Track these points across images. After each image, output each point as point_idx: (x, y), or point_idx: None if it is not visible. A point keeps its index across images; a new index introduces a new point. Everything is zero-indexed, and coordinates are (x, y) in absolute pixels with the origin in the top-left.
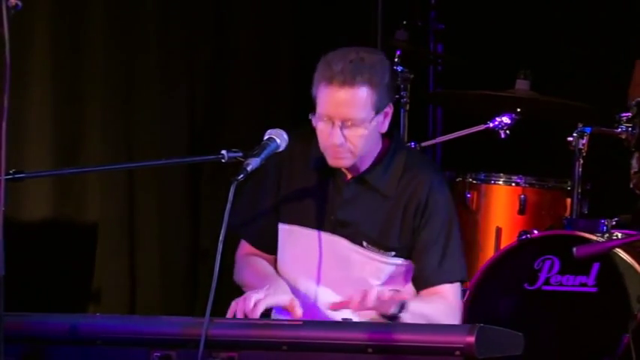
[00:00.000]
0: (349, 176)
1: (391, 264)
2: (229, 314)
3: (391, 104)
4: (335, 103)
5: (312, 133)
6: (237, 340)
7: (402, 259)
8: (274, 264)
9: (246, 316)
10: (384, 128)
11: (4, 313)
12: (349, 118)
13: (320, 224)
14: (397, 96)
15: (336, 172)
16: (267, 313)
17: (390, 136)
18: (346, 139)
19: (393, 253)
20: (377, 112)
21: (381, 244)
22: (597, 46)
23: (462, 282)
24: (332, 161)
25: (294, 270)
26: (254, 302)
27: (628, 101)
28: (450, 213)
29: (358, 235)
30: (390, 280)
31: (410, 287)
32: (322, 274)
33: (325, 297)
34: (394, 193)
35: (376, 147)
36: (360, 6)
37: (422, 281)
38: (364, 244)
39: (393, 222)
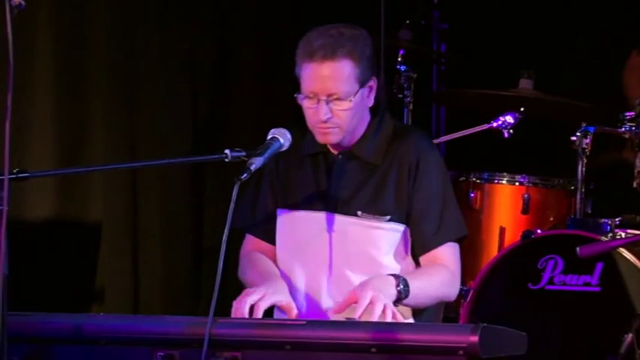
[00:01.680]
0: (336, 152)
1: (388, 229)
2: (234, 314)
3: (375, 78)
4: (318, 79)
5: (303, 123)
6: (240, 340)
7: (398, 223)
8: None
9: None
10: (370, 102)
11: (7, 313)
12: (333, 93)
13: (314, 205)
14: (400, 96)
15: (326, 152)
16: (267, 312)
17: (376, 112)
18: (333, 114)
19: (388, 217)
20: (361, 86)
21: (374, 209)
22: (601, 45)
23: (462, 238)
24: (320, 137)
25: (293, 255)
26: (249, 304)
27: (624, 90)
28: (442, 171)
29: (352, 207)
30: (390, 250)
31: (410, 259)
32: (321, 254)
33: (326, 279)
34: (379, 159)
35: (363, 122)
36: (363, 5)
37: (421, 246)
38: (359, 213)
39: (386, 187)
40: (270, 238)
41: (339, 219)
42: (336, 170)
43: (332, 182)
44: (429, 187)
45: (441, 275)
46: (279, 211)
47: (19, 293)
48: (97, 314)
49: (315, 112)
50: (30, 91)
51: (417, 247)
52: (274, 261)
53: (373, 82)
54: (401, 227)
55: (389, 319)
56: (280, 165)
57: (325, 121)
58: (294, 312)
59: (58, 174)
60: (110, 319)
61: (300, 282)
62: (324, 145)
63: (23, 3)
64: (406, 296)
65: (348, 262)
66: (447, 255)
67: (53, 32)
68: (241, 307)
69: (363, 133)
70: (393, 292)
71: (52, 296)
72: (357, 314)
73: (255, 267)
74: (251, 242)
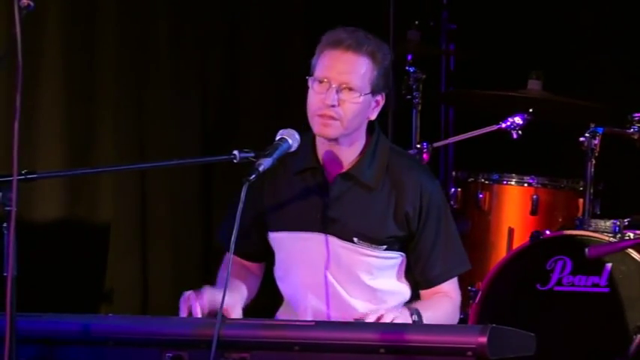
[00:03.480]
0: (333, 173)
1: (382, 258)
2: (182, 311)
3: (384, 95)
4: (337, 66)
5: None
6: (249, 341)
7: (393, 252)
8: (259, 271)
9: (190, 314)
10: (373, 115)
11: (16, 314)
12: (346, 82)
13: (309, 226)
14: (409, 97)
15: (318, 172)
16: (270, 313)
17: (371, 132)
18: (339, 102)
19: (385, 246)
20: (372, 92)
21: (372, 238)
22: (609, 46)
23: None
24: (319, 128)
25: (289, 274)
26: (196, 294)
27: None
28: (445, 208)
29: (348, 232)
30: (383, 275)
31: (404, 282)
32: (316, 274)
33: (323, 298)
34: (380, 185)
35: (361, 135)
36: (372, 5)
37: (426, 282)
38: (355, 240)
39: (384, 217)
40: (248, 256)
41: (334, 242)
42: (333, 191)
43: (328, 203)
44: (433, 228)
45: (445, 306)
46: (271, 234)
47: (28, 294)
48: (106, 315)
49: (322, 98)
50: (39, 92)
51: (422, 282)
52: (246, 269)
53: (381, 98)
54: (396, 255)
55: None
56: (266, 184)
57: (331, 106)
58: (235, 314)
59: (67, 175)
60: (119, 320)
61: (301, 300)
62: (315, 161)
63: (32, 4)
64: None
65: (342, 284)
66: (450, 288)
67: (62, 33)
68: (187, 301)
69: (359, 153)
70: (409, 321)
71: (60, 297)
72: None
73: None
74: (226, 256)
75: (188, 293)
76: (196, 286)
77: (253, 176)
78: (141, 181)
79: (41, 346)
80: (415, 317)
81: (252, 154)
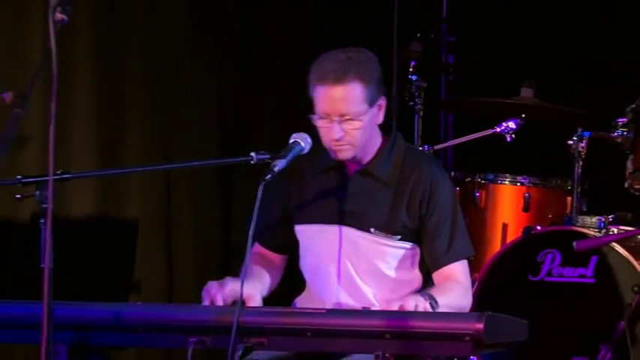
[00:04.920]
0: (352, 170)
1: (397, 247)
2: (205, 300)
3: (384, 97)
4: (330, 101)
5: (316, 140)
6: (266, 327)
7: (407, 242)
8: (282, 262)
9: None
10: (380, 120)
11: (53, 302)
12: (345, 113)
13: (330, 218)
14: (411, 103)
15: (340, 168)
16: (287, 302)
17: (388, 133)
18: (345, 133)
19: (399, 237)
20: (370, 105)
21: (387, 228)
22: (595, 57)
23: (469, 258)
24: (335, 155)
25: (313, 263)
26: (218, 285)
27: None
28: (453, 198)
29: (366, 223)
30: (398, 264)
31: (417, 272)
32: (334, 264)
33: (343, 284)
34: (395, 180)
35: (375, 139)
36: (377, 19)
37: (434, 262)
38: (372, 230)
39: (398, 208)
40: (273, 247)
41: (353, 232)
42: (351, 186)
43: (347, 197)
44: (441, 212)
45: (456, 290)
46: (297, 226)
47: (63, 285)
48: (135, 303)
49: (328, 131)
50: (72, 99)
51: (431, 263)
52: (269, 261)
53: (382, 102)
54: (409, 245)
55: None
56: (293, 180)
57: (338, 140)
58: (254, 304)
59: (98, 175)
60: (147, 308)
61: (318, 288)
62: (338, 160)
63: (66, 18)
64: (436, 308)
65: (358, 272)
66: (459, 272)
67: (93, 45)
68: (210, 291)
69: (376, 151)
70: (427, 306)
71: (93, 287)
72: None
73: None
74: (256, 247)
75: (211, 284)
76: (217, 277)
77: (269, 176)
78: (166, 181)
79: (76, 331)
80: (430, 301)
81: (268, 156)
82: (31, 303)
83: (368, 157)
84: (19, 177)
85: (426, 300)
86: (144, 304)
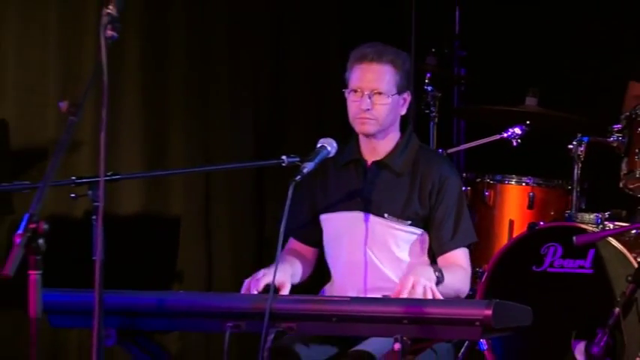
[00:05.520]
0: (370, 163)
1: (408, 232)
2: (243, 291)
3: (409, 92)
4: (365, 76)
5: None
6: (295, 313)
7: (417, 228)
8: (313, 255)
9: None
10: (403, 111)
11: (103, 291)
12: (375, 87)
13: (350, 206)
14: (427, 111)
15: (359, 162)
16: (315, 291)
17: (405, 130)
18: (372, 106)
19: (410, 222)
20: (398, 92)
21: (399, 214)
22: (594, 69)
23: (472, 244)
24: (359, 127)
25: (334, 251)
26: (255, 280)
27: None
28: (459, 192)
29: (381, 209)
30: (409, 249)
31: (426, 259)
32: (356, 248)
33: (361, 268)
34: (409, 173)
35: (394, 131)
36: (396, 35)
37: (439, 248)
38: (385, 215)
39: (411, 197)
40: (306, 240)
41: (370, 218)
42: (369, 176)
43: (366, 186)
44: (448, 203)
45: (459, 274)
46: (321, 216)
47: (113, 275)
48: (178, 292)
49: (359, 104)
50: (121, 107)
51: (436, 248)
52: (301, 254)
53: (407, 96)
54: (418, 231)
55: (429, 296)
56: (318, 179)
57: (366, 111)
58: (285, 290)
59: (145, 176)
60: (188, 296)
61: (342, 271)
62: (358, 154)
63: (115, 35)
64: (442, 281)
65: (377, 255)
66: (461, 257)
67: (140, 58)
68: (248, 285)
69: (393, 146)
70: (433, 277)
71: (140, 277)
72: (402, 296)
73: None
74: (291, 243)
75: (249, 280)
76: (251, 268)
77: (298, 177)
78: (205, 181)
79: (124, 317)
80: (438, 273)
81: (298, 159)
82: (84, 291)
83: (385, 151)
84: (73, 178)
85: (435, 271)
86: (186, 292)
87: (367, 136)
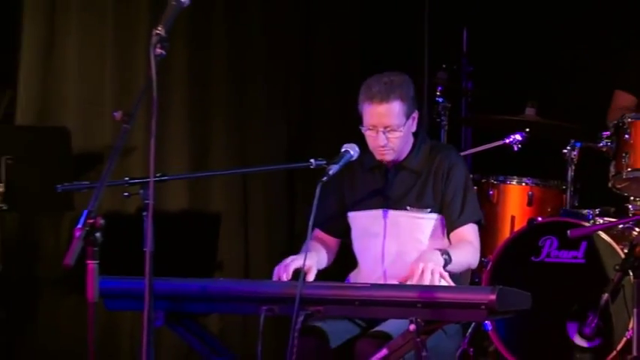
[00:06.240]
0: (390, 165)
1: (429, 219)
2: (274, 277)
3: (417, 110)
4: (377, 116)
5: (364, 145)
6: (322, 298)
7: (436, 214)
8: (336, 245)
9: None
10: (414, 128)
11: (153, 278)
12: (388, 125)
13: (375, 204)
14: (438, 120)
15: (382, 166)
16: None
17: (417, 135)
18: (388, 140)
19: (429, 209)
20: (407, 118)
21: (419, 204)
22: (585, 83)
23: (479, 222)
24: (379, 157)
25: (362, 243)
26: (284, 266)
27: (607, 122)
28: (466, 176)
29: (402, 203)
30: (432, 233)
31: (446, 240)
32: (381, 240)
33: (386, 257)
34: (424, 169)
35: (409, 142)
36: (411, 54)
37: (450, 225)
38: (407, 207)
39: (427, 188)
40: (330, 231)
41: (393, 213)
42: (390, 178)
43: (387, 187)
44: (455, 185)
45: (467, 248)
46: (350, 214)
47: (162, 264)
48: (218, 279)
49: (375, 139)
50: (168, 116)
51: (447, 226)
52: (326, 243)
53: (415, 114)
54: (437, 216)
55: (437, 281)
56: (345, 178)
57: (383, 146)
58: (311, 274)
59: (189, 177)
60: (227, 283)
61: (367, 261)
62: (380, 161)
63: (164, 52)
64: (450, 262)
65: (401, 245)
66: (470, 233)
67: (185, 73)
68: (279, 271)
69: (409, 150)
70: (440, 260)
71: (185, 266)
72: (413, 282)
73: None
74: (316, 232)
75: (278, 267)
76: (283, 258)
77: (325, 178)
78: (243, 182)
79: (171, 301)
80: (445, 256)
81: (324, 162)
82: (136, 278)
83: (403, 156)
84: (126, 178)
85: (442, 254)
86: (225, 279)
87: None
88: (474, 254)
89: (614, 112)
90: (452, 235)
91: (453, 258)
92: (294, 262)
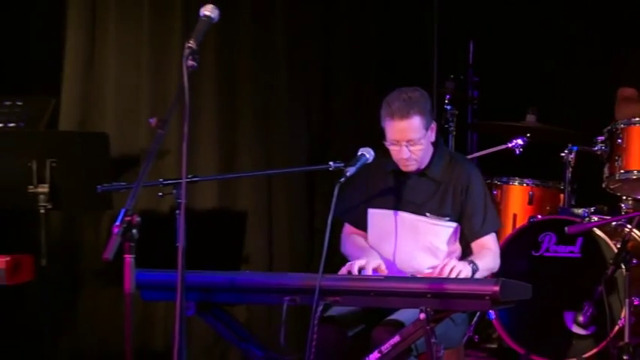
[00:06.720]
0: (413, 173)
1: (446, 226)
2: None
3: (434, 121)
4: (399, 132)
5: (386, 150)
6: (340, 289)
7: (453, 222)
8: (366, 238)
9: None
10: (432, 138)
11: (185, 271)
12: (410, 139)
13: (395, 206)
14: (446, 126)
15: (403, 171)
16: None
17: (436, 143)
18: (411, 153)
19: (448, 218)
20: (426, 130)
21: (438, 212)
22: (581, 93)
23: (498, 230)
24: (403, 168)
25: (379, 239)
26: (358, 267)
27: (615, 118)
28: (484, 188)
29: (422, 209)
30: (447, 239)
31: (458, 245)
32: (398, 240)
33: (400, 255)
34: (443, 178)
35: (429, 151)
36: (422, 65)
37: (472, 236)
38: (427, 214)
39: (446, 198)
40: (361, 227)
41: (413, 217)
42: (412, 184)
43: (409, 191)
44: (475, 198)
45: (489, 256)
46: (369, 210)
47: (192, 258)
48: (245, 272)
49: (398, 152)
50: (199, 122)
51: (469, 236)
52: (364, 238)
53: (434, 125)
54: (454, 224)
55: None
56: (370, 177)
57: (407, 158)
58: (385, 271)
59: (218, 179)
60: (253, 275)
61: (386, 255)
62: None
63: (195, 64)
64: (477, 270)
65: (415, 247)
66: (491, 242)
67: (214, 83)
68: (352, 269)
69: (429, 159)
70: (469, 269)
71: (214, 260)
72: (436, 271)
73: (354, 243)
74: (348, 228)
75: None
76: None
77: (342, 179)
78: (268, 183)
79: (201, 292)
80: (473, 266)
81: (342, 164)
82: (169, 271)
83: (424, 164)
84: (160, 180)
85: (469, 264)
86: (251, 272)
87: None
88: (494, 260)
89: (621, 105)
90: (474, 243)
91: (479, 266)
92: (370, 264)
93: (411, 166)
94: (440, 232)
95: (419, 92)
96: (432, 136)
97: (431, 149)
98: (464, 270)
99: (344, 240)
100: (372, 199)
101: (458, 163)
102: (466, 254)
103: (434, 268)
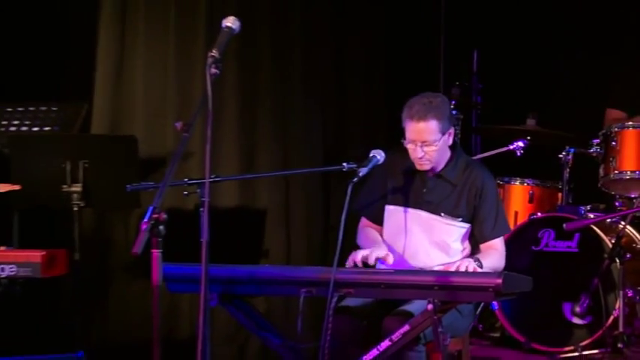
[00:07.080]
0: (430, 174)
1: (459, 227)
2: (349, 263)
3: (452, 127)
4: (416, 132)
5: (405, 149)
6: (353, 281)
7: (465, 223)
8: (381, 232)
9: (355, 264)
10: (450, 142)
11: (208, 264)
12: (425, 140)
13: (412, 204)
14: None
15: (421, 172)
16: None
17: (454, 148)
18: (425, 153)
19: (461, 219)
20: (443, 134)
21: (453, 213)
22: (578, 99)
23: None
24: (418, 167)
25: (393, 235)
26: (361, 256)
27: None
28: (497, 193)
29: (438, 209)
30: (459, 239)
31: (467, 243)
32: (412, 236)
33: (413, 250)
34: (459, 181)
35: (446, 155)
36: (429, 72)
37: (482, 238)
38: (442, 214)
39: (460, 200)
40: (377, 221)
41: (428, 216)
42: (429, 184)
43: (426, 191)
44: (488, 203)
45: (495, 256)
46: (387, 206)
47: (215, 253)
48: (264, 265)
49: (414, 151)
50: (221, 126)
51: (479, 238)
52: (379, 232)
53: (451, 130)
54: (466, 225)
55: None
56: (389, 174)
57: (421, 157)
58: (390, 260)
59: (238, 178)
60: (272, 269)
61: (394, 252)
62: None
63: (218, 72)
64: (482, 268)
65: (427, 244)
66: (498, 244)
67: (236, 89)
68: (356, 258)
69: (447, 162)
70: (474, 266)
71: (236, 254)
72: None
73: (367, 236)
74: (364, 221)
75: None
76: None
77: (355, 179)
78: (286, 182)
79: (224, 284)
80: (478, 263)
81: (355, 165)
82: (194, 265)
83: (441, 166)
84: (186, 179)
85: (474, 261)
86: (270, 265)
87: None
88: (499, 260)
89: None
90: (483, 245)
91: (484, 265)
92: (374, 253)
93: (425, 166)
94: (452, 231)
95: (440, 98)
96: (448, 140)
97: (448, 153)
98: (470, 267)
99: (359, 232)
100: (390, 196)
101: (474, 169)
102: (474, 253)
103: (444, 265)
